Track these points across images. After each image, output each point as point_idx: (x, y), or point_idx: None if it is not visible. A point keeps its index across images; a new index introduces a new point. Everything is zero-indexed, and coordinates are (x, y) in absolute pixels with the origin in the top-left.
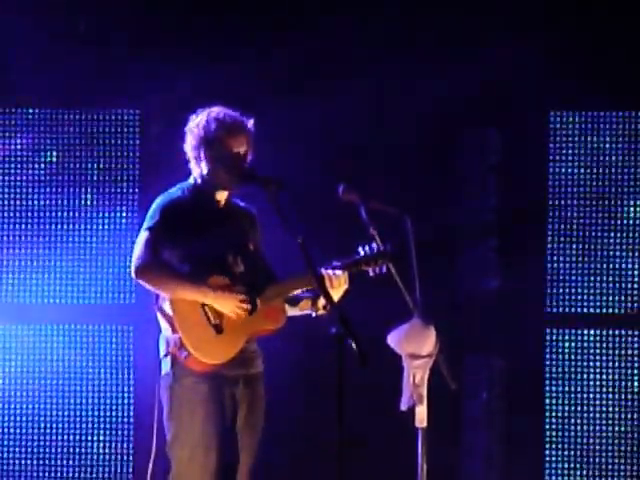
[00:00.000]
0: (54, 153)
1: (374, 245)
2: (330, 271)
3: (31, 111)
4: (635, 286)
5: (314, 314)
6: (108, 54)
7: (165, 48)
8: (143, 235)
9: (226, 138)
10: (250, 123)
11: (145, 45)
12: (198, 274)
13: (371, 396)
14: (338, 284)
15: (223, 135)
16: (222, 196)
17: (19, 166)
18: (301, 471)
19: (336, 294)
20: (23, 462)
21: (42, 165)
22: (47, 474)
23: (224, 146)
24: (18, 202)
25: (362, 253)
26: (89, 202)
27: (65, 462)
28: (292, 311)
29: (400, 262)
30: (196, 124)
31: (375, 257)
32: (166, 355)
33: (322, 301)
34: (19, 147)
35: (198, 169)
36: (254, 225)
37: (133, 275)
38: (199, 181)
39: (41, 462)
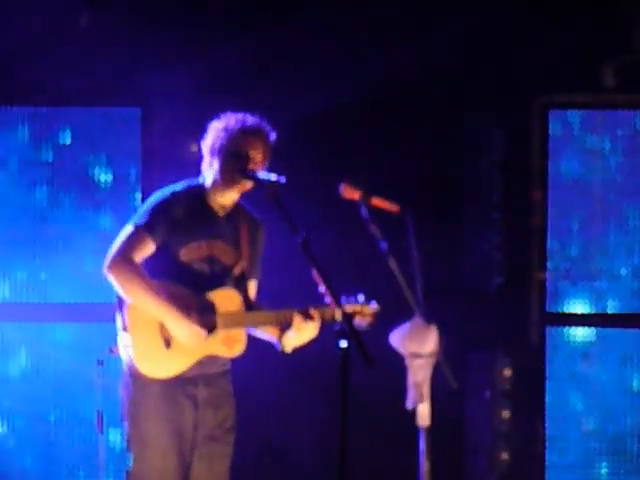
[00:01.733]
0: (54, 151)
1: (359, 297)
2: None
3: (30, 109)
4: (636, 285)
5: (279, 347)
6: (110, 51)
7: (166, 46)
8: (128, 230)
9: (243, 139)
10: (272, 136)
11: (146, 42)
12: (173, 284)
13: (373, 394)
14: (304, 332)
15: (241, 135)
16: (226, 200)
17: (18, 164)
18: (303, 468)
19: (301, 337)
20: (20, 457)
21: (41, 163)
22: (45, 473)
23: (239, 145)
24: (17, 200)
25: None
26: (90, 201)
27: (64, 461)
28: (258, 333)
29: (401, 260)
30: (222, 124)
31: (359, 312)
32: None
33: (287, 339)
34: (18, 145)
35: (209, 169)
36: (257, 235)
37: (104, 268)
38: (207, 182)
39: (40, 461)
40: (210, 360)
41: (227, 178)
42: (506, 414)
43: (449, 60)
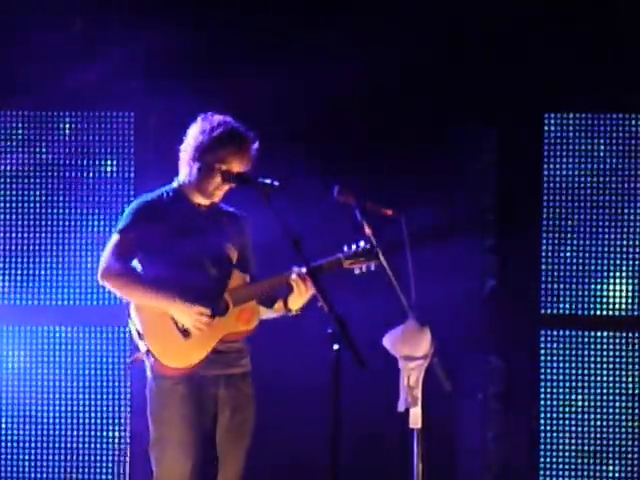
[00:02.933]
0: (48, 155)
1: (360, 243)
2: (295, 277)
3: (25, 113)
4: (629, 288)
5: (290, 314)
6: (103, 55)
7: (158, 50)
8: (113, 238)
9: (222, 151)
10: (254, 144)
11: (140, 46)
12: (168, 278)
13: (367, 397)
14: (304, 290)
15: (220, 147)
16: (205, 201)
17: (12, 167)
18: (297, 471)
19: (300, 300)
20: (18, 464)
21: (35, 166)
22: (42, 475)
23: (217, 158)
24: (10, 204)
25: (345, 251)
26: (83, 204)
27: (61, 463)
28: (268, 314)
29: (394, 262)
30: (201, 129)
31: (359, 255)
32: (132, 358)
33: (295, 302)
34: (12, 148)
35: (186, 171)
36: (242, 229)
37: (98, 278)
38: (185, 183)
39: (37, 463)
40: (231, 360)
41: (203, 188)
42: (500, 416)
43: (445, 62)
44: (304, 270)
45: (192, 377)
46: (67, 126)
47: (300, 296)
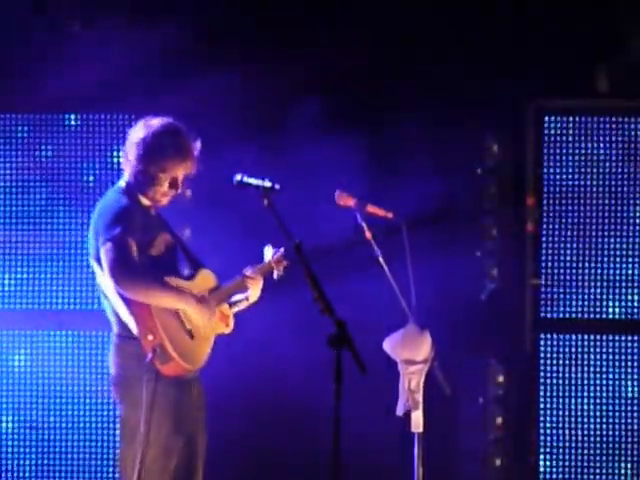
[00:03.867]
0: (47, 157)
1: (278, 249)
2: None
3: (23, 116)
4: (630, 291)
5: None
6: (102, 58)
7: (159, 52)
8: (110, 246)
9: (170, 162)
10: (198, 145)
11: (139, 49)
12: (163, 275)
13: (368, 401)
14: (257, 286)
15: (170, 161)
16: (156, 204)
17: (10, 169)
18: (298, 475)
19: (256, 294)
20: (16, 466)
21: (33, 169)
22: (40, 478)
23: (164, 169)
24: (8, 206)
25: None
26: (80, 207)
27: (57, 466)
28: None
29: (394, 266)
30: (142, 136)
31: (277, 260)
32: (146, 360)
33: (253, 296)
34: (12, 151)
35: (130, 174)
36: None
37: (118, 288)
38: (131, 184)
39: (34, 466)
40: None
41: (151, 196)
42: (499, 420)
43: (443, 63)
44: (249, 269)
45: (182, 380)
46: (67, 128)
47: (252, 297)
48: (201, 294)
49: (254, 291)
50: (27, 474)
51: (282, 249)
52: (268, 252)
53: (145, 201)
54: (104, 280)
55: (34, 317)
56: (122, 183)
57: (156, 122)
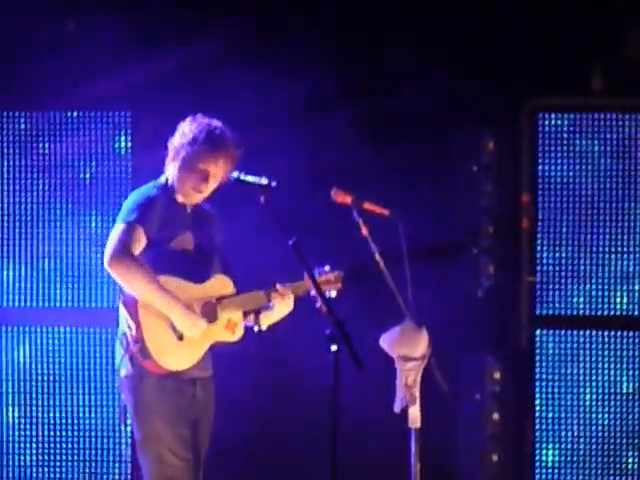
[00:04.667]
0: (45, 154)
1: (326, 269)
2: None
3: (21, 113)
4: (624, 288)
5: (256, 328)
6: (99, 54)
7: (156, 48)
8: (121, 227)
9: (206, 155)
10: (239, 150)
11: (136, 46)
12: (166, 273)
13: (364, 397)
14: (283, 307)
15: (204, 151)
16: (191, 200)
17: (9, 168)
18: (295, 471)
19: (279, 313)
20: (19, 463)
21: (32, 166)
22: (43, 475)
23: (201, 161)
24: (9, 204)
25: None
26: (81, 204)
27: (60, 464)
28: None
29: (391, 263)
30: (186, 130)
31: (324, 281)
32: (125, 355)
33: (265, 319)
34: (9, 149)
35: (171, 169)
36: (217, 226)
37: (107, 264)
38: (170, 181)
39: (36, 463)
40: (204, 364)
41: (184, 190)
42: (496, 416)
43: (438, 62)
44: (288, 286)
45: (174, 378)
46: (63, 125)
47: (278, 313)
48: (209, 300)
49: (280, 307)
50: (29, 471)
51: (339, 273)
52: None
53: (179, 197)
54: None
55: (37, 314)
56: (162, 179)
57: (201, 119)
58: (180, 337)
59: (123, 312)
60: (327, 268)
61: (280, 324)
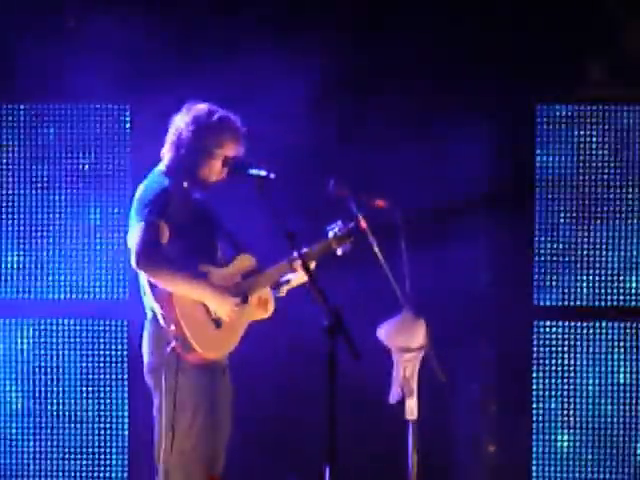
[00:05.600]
0: (44, 148)
1: (338, 223)
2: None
3: (21, 106)
4: (623, 279)
5: (277, 294)
6: (99, 49)
7: (155, 43)
8: (142, 226)
9: (226, 139)
10: (245, 128)
11: (135, 40)
12: (193, 264)
13: (362, 389)
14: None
15: (225, 135)
16: (201, 185)
17: (9, 161)
18: (292, 464)
19: (298, 280)
20: (16, 457)
21: (32, 160)
22: (40, 468)
23: (221, 145)
24: (9, 198)
25: (332, 233)
26: (81, 197)
27: (59, 456)
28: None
29: (388, 254)
30: (194, 116)
31: (344, 235)
32: (163, 350)
33: (286, 285)
34: (8, 142)
35: (174, 155)
36: (213, 208)
37: (136, 264)
38: (176, 169)
39: (35, 457)
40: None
41: (202, 175)
42: (494, 407)
43: (437, 53)
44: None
45: (211, 367)
46: (63, 119)
47: (298, 279)
48: (235, 281)
49: (301, 273)
50: (26, 464)
51: (350, 225)
52: (331, 232)
53: (187, 184)
54: None
55: (37, 306)
56: (162, 167)
57: (204, 104)
58: (218, 324)
59: (157, 309)
60: (339, 223)
61: (274, 314)
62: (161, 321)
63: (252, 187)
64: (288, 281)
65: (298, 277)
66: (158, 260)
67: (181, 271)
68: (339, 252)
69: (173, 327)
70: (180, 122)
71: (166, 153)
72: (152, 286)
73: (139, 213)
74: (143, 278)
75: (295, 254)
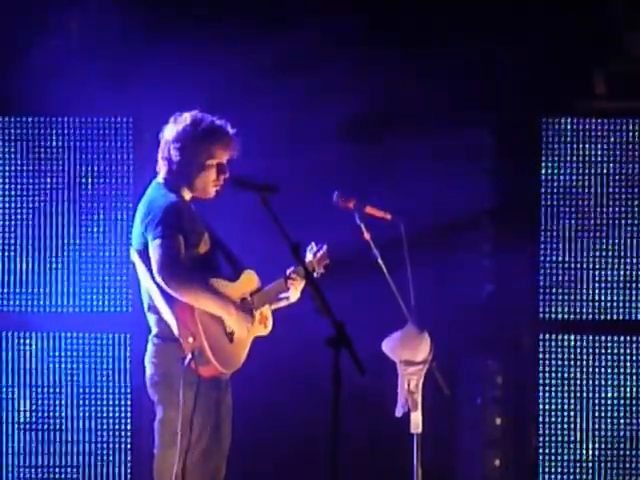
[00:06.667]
0: (48, 160)
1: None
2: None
3: (24, 119)
4: (629, 292)
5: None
6: (101, 60)
7: (158, 53)
8: (158, 244)
9: (216, 148)
10: (234, 130)
11: (138, 50)
12: (204, 279)
13: (366, 402)
14: (298, 287)
15: (214, 144)
16: (201, 196)
17: (12, 172)
18: (296, 474)
19: (295, 295)
20: (20, 470)
21: (35, 172)
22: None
23: (212, 156)
24: (12, 209)
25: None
26: (84, 209)
27: (63, 468)
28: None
29: (393, 267)
30: (182, 128)
31: (319, 259)
32: (175, 362)
33: (275, 304)
34: (12, 155)
35: (174, 171)
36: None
37: (162, 281)
38: (173, 181)
39: (39, 468)
40: None
41: (202, 186)
42: (498, 421)
43: (440, 63)
44: (297, 273)
45: (219, 381)
46: (66, 132)
47: (296, 292)
48: (244, 296)
49: (294, 292)
50: (29, 474)
51: (325, 247)
52: (309, 253)
53: (188, 196)
54: (146, 277)
55: (40, 319)
56: (160, 180)
57: (189, 114)
58: (231, 339)
59: (173, 322)
60: (313, 245)
61: (279, 326)
62: (176, 333)
63: (241, 200)
64: (287, 298)
65: (290, 296)
66: (184, 275)
67: (206, 286)
68: (315, 274)
69: (191, 340)
70: (168, 136)
71: (161, 167)
72: (170, 300)
73: (155, 230)
74: (155, 293)
75: (300, 266)
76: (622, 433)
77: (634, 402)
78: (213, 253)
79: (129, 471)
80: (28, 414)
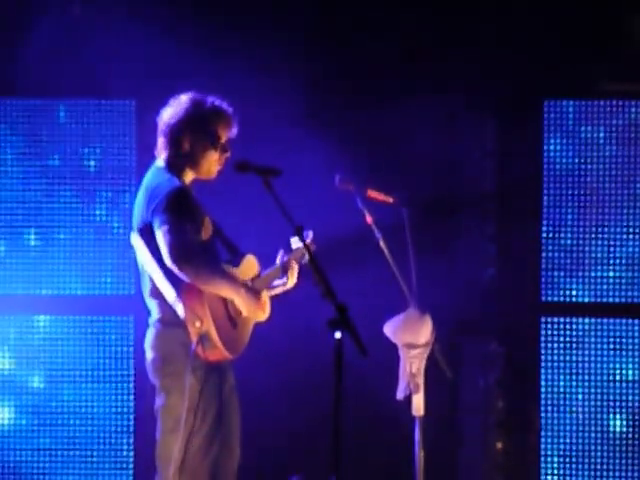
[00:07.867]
0: (48, 144)
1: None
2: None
3: (25, 101)
4: (630, 275)
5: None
6: (105, 43)
7: (161, 38)
8: (174, 227)
9: (219, 127)
10: (232, 109)
11: (142, 35)
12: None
13: (368, 384)
14: (296, 269)
15: (217, 123)
16: (204, 177)
17: (12, 156)
18: (298, 459)
19: (293, 280)
20: (23, 452)
21: (37, 156)
22: (48, 464)
23: (216, 135)
24: (14, 193)
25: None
26: (86, 192)
27: (66, 451)
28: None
29: (395, 250)
30: (183, 108)
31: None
32: (179, 346)
33: (274, 290)
34: (12, 137)
35: (176, 154)
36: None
37: (180, 270)
38: (174, 163)
39: (41, 452)
40: None
41: (206, 168)
42: (500, 404)
43: (445, 49)
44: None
45: (222, 366)
46: (68, 114)
47: (292, 277)
48: (245, 281)
49: (291, 277)
50: (31, 461)
51: (310, 232)
52: (295, 240)
53: (189, 179)
54: (148, 261)
55: (43, 302)
56: (161, 163)
57: (187, 96)
58: (234, 324)
59: (178, 305)
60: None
61: (280, 310)
62: (181, 317)
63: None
64: (284, 284)
65: (288, 282)
66: (199, 259)
67: (218, 269)
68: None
69: (198, 324)
70: (169, 118)
71: (161, 150)
72: (177, 284)
73: (162, 215)
74: (159, 277)
75: (302, 246)
76: (623, 416)
77: (636, 385)
78: (214, 238)
79: (132, 454)
80: (31, 397)
